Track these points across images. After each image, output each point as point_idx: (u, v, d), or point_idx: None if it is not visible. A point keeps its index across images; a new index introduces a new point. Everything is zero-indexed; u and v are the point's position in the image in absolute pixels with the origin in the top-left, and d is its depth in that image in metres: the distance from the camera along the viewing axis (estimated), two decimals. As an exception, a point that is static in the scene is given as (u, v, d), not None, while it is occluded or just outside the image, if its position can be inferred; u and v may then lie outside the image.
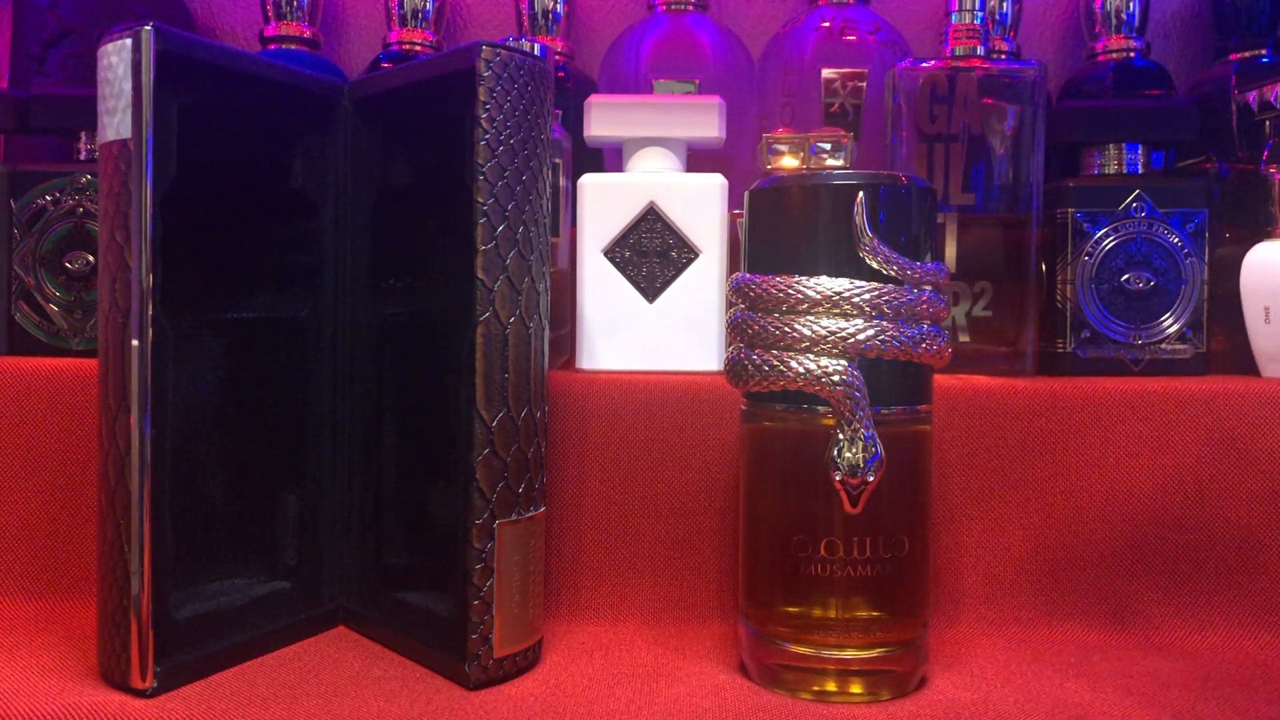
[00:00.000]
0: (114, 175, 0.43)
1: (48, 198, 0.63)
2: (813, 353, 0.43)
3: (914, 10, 0.86)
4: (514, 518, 0.46)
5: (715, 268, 0.59)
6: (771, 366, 0.43)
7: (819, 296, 0.43)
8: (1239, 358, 0.63)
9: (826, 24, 0.74)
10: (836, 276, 0.43)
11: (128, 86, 0.43)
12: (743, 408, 0.47)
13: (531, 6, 0.80)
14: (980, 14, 0.63)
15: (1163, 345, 0.62)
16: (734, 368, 0.46)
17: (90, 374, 0.55)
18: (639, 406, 0.55)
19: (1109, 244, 0.62)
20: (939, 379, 0.54)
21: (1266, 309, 0.60)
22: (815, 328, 0.43)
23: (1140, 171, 0.65)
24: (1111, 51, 0.75)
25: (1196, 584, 0.54)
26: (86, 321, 0.63)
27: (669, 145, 0.61)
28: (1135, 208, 0.62)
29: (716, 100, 0.61)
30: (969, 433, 0.55)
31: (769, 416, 0.45)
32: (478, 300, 0.44)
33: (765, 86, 0.76)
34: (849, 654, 0.44)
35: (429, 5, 0.79)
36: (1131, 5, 0.75)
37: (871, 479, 0.42)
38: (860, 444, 0.42)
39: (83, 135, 0.66)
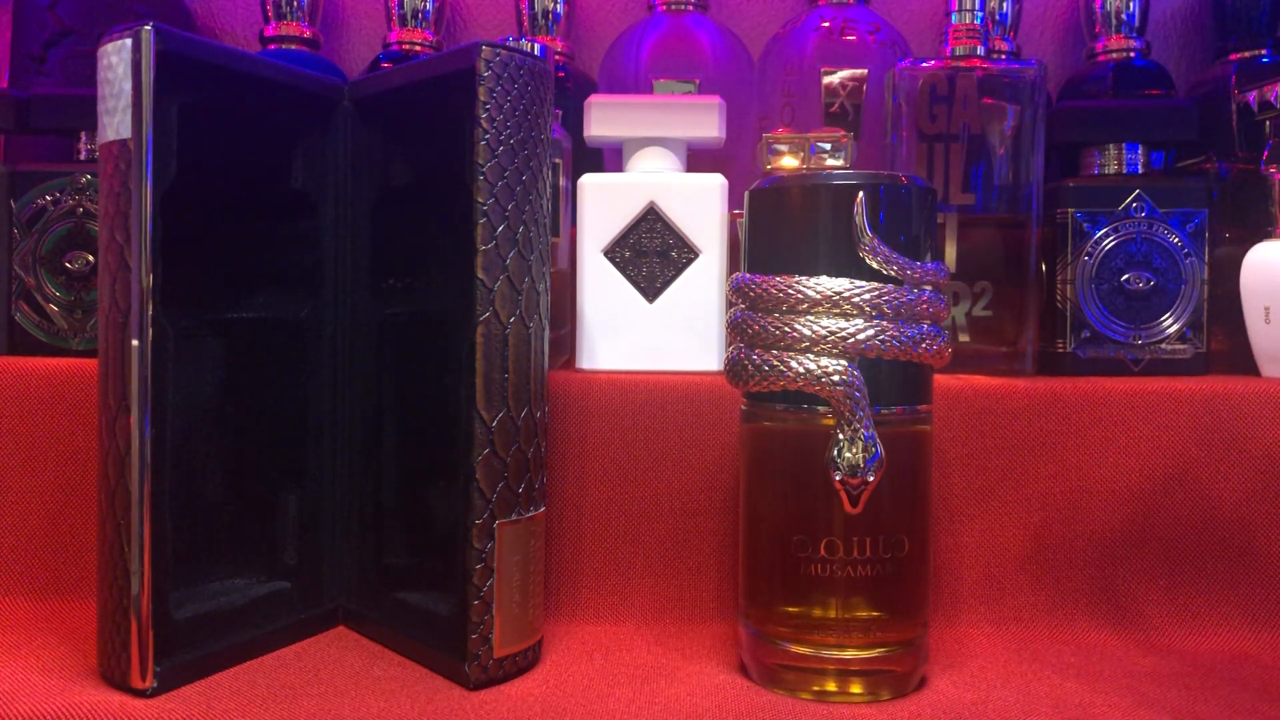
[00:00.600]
0: (114, 175, 0.43)
1: (48, 198, 0.63)
2: (813, 353, 0.43)
3: (914, 10, 0.86)
4: (514, 518, 0.46)
5: (715, 268, 0.59)
6: (771, 366, 0.43)
7: (819, 296, 0.43)
8: (1239, 358, 0.63)
9: (826, 24, 0.74)
10: (836, 276, 0.43)
11: (128, 86, 0.43)
12: (743, 408, 0.47)
13: (531, 6, 0.80)
14: (980, 14, 0.63)
15: (1163, 345, 0.62)
16: (734, 368, 0.46)
17: (90, 374, 0.55)
18: (639, 406, 0.55)
19: (1109, 244, 0.62)
20: (939, 379, 0.54)
21: (1266, 309, 0.60)
22: (815, 328, 0.43)
23: (1140, 171, 0.65)
24: (1111, 51, 0.75)
25: (1196, 584, 0.54)
26: (86, 321, 0.63)
27: (669, 145, 0.61)
28: (1135, 208, 0.62)
29: (716, 100, 0.61)
30: (969, 433, 0.55)
31: (769, 416, 0.45)
32: (478, 300, 0.44)
33: (765, 86, 0.76)
34: (849, 654, 0.44)
35: (429, 5, 0.79)
36: (1131, 5, 0.75)
37: (871, 479, 0.42)
38: (860, 444, 0.42)
39: (83, 135, 0.66)
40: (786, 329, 0.43)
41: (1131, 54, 0.75)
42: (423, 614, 0.49)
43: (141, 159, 0.42)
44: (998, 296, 0.61)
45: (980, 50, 0.63)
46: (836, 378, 0.42)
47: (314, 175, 0.53)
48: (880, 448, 0.42)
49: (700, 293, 0.59)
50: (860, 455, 0.42)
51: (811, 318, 0.43)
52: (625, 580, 0.55)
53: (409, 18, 0.79)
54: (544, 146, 0.47)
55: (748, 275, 0.46)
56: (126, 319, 0.43)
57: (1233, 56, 0.75)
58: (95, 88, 0.44)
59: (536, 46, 0.69)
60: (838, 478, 0.42)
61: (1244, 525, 0.54)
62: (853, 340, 0.42)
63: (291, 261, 0.53)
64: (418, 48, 0.79)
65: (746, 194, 0.47)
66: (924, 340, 0.43)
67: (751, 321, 0.45)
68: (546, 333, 0.48)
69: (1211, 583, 0.54)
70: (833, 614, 0.44)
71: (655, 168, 0.61)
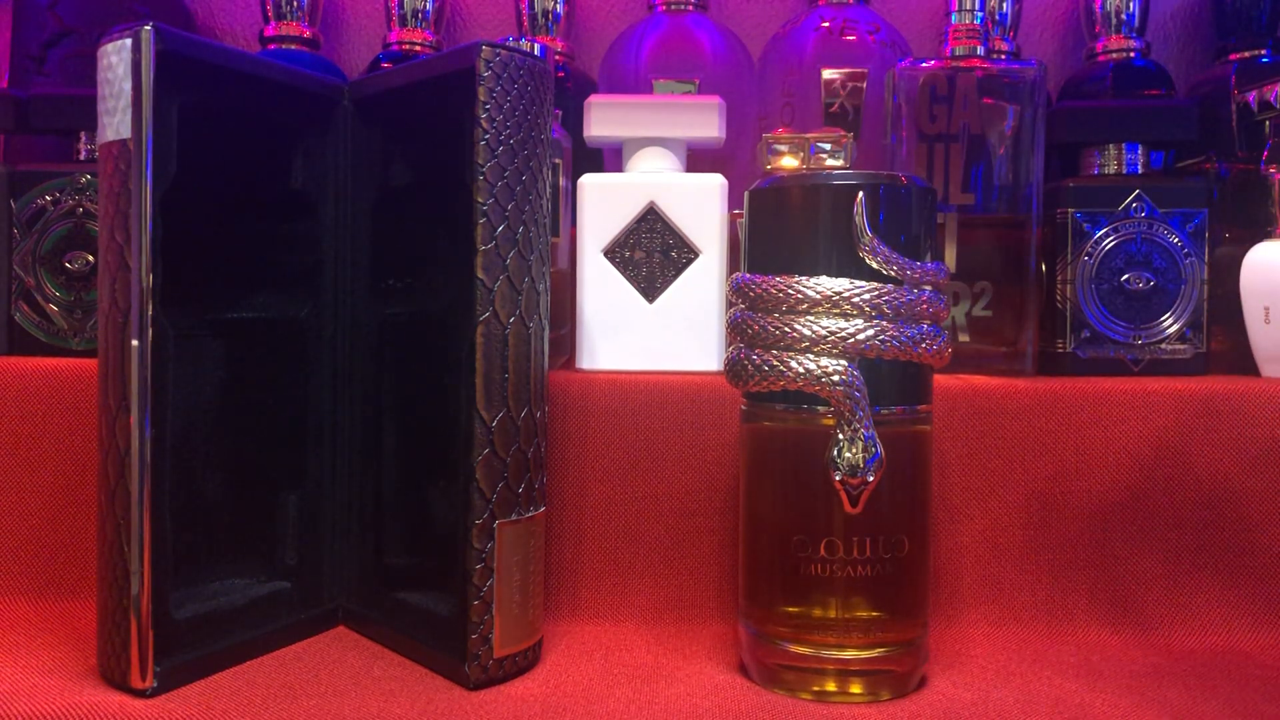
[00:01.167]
0: (114, 175, 0.43)
1: (48, 198, 0.63)
2: (813, 353, 0.43)
3: (914, 10, 0.86)
4: (514, 518, 0.46)
5: (715, 268, 0.59)
6: (771, 366, 0.43)
7: (819, 296, 0.43)
8: (1239, 358, 0.63)
9: (826, 24, 0.74)
10: (836, 276, 0.43)
11: (128, 86, 0.43)
12: (743, 408, 0.47)
13: (531, 6, 0.80)
14: (980, 14, 0.63)
15: (1163, 345, 0.62)
16: (734, 368, 0.46)
17: (90, 374, 0.55)
18: (639, 406, 0.55)
19: (1109, 244, 0.62)
20: (939, 379, 0.54)
21: (1266, 309, 0.60)
22: (815, 328, 0.43)
23: (1140, 171, 0.65)
24: (1111, 51, 0.75)
25: (1196, 584, 0.54)
26: (86, 321, 0.63)
27: (669, 145, 0.61)
28: (1135, 208, 0.62)
29: (716, 100, 0.61)
30: (969, 433, 0.55)
31: (769, 416, 0.45)
32: (478, 300, 0.44)
33: (765, 86, 0.76)
34: (849, 654, 0.44)
35: (429, 5, 0.79)
36: (1131, 5, 0.75)
37: (871, 479, 0.42)
38: (860, 444, 0.42)
39: (83, 135, 0.66)
40: (786, 329, 0.43)
41: (1131, 54, 0.75)
42: (423, 614, 0.49)
43: (141, 159, 0.42)
44: (998, 296, 0.61)
45: (980, 50, 0.63)
46: (836, 378, 0.42)
47: (314, 175, 0.53)
48: (880, 448, 0.42)
49: (700, 293, 0.59)
50: (860, 455, 0.42)
51: (811, 318, 0.43)
52: (625, 580, 0.55)
53: (409, 18, 0.79)
54: (544, 146, 0.47)
55: (748, 275, 0.46)
56: (126, 319, 0.43)
57: (1233, 56, 0.75)
58: (95, 88, 0.44)
59: (536, 46, 0.69)
60: (838, 478, 0.42)
61: (1244, 525, 0.54)
62: (853, 340, 0.42)
63: (291, 261, 0.53)
64: (418, 48, 0.79)
65: (746, 194, 0.47)
66: (924, 340, 0.43)
67: (751, 321, 0.45)
68: (546, 333, 0.48)
69: (1211, 582, 0.54)
70: (833, 614, 0.44)
71: (655, 168, 0.61)
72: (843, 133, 0.60)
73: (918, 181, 0.45)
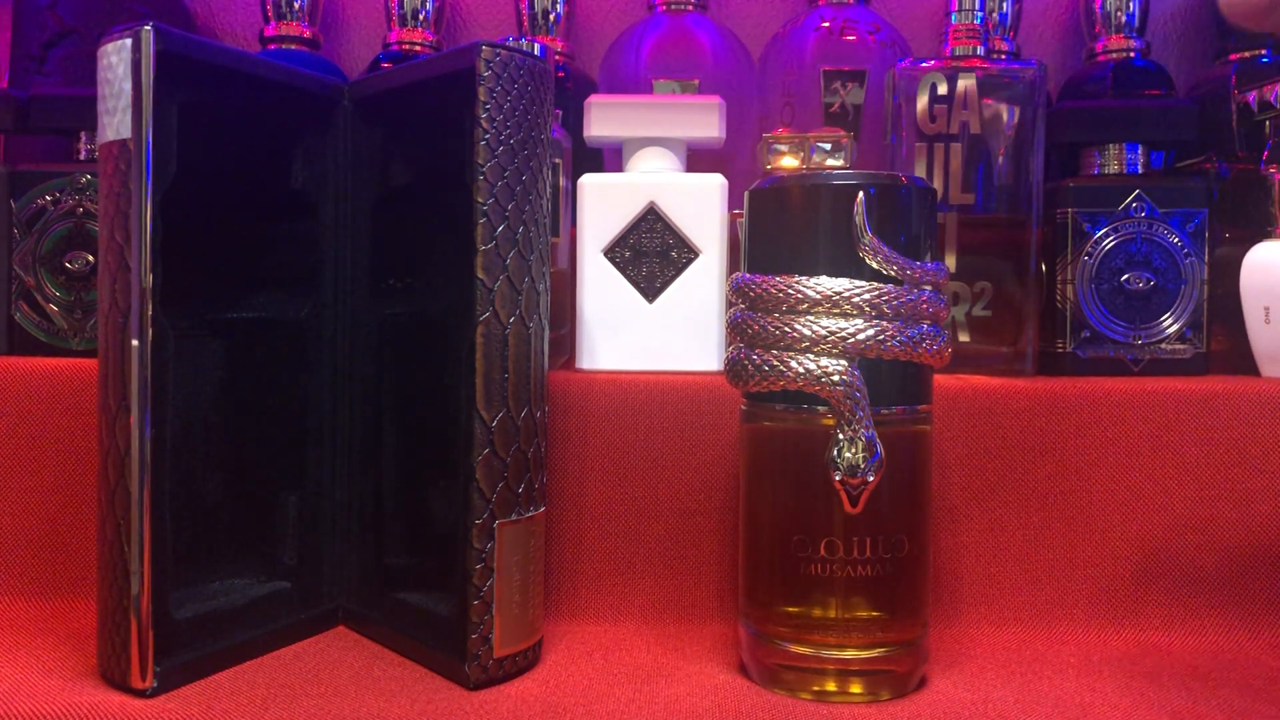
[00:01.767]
0: (114, 175, 0.43)
1: (48, 198, 0.63)
2: (813, 353, 0.43)
3: (914, 10, 0.86)
4: (514, 518, 0.46)
5: (715, 268, 0.59)
6: (771, 366, 0.43)
7: (819, 296, 0.43)
8: (1239, 358, 0.63)
9: (826, 24, 0.74)
10: (836, 276, 0.43)
11: (128, 86, 0.43)
12: (743, 408, 0.47)
13: (531, 6, 0.80)
14: (980, 14, 0.63)
15: (1163, 345, 0.62)
16: (734, 368, 0.46)
17: (90, 374, 0.55)
18: (639, 406, 0.55)
19: (1109, 244, 0.62)
20: (939, 379, 0.54)
21: (1266, 309, 0.60)
22: (815, 328, 0.43)
23: (1140, 171, 0.65)
24: (1111, 51, 0.75)
25: (1196, 584, 0.54)
26: (86, 321, 0.63)
27: (669, 145, 0.61)
28: (1135, 208, 0.62)
29: (716, 100, 0.61)
30: (969, 433, 0.55)
31: (769, 416, 0.45)
32: (478, 300, 0.44)
33: (765, 86, 0.76)
34: (849, 654, 0.44)
35: (429, 5, 0.79)
36: (1131, 5, 0.75)
37: (871, 479, 0.42)
38: (860, 444, 0.42)
39: (83, 135, 0.66)
40: (786, 329, 0.43)
41: (1131, 54, 0.75)
42: (423, 614, 0.49)
43: (141, 159, 0.42)
44: (998, 296, 0.61)
45: (980, 50, 0.63)
46: (836, 378, 0.42)
47: (314, 175, 0.53)
48: (880, 448, 0.42)
49: (700, 293, 0.59)
50: (860, 455, 0.42)
51: (811, 318, 0.43)
52: (625, 580, 0.55)
53: (409, 18, 0.79)
54: (544, 146, 0.47)
55: (748, 275, 0.46)
56: (126, 319, 0.43)
57: (1233, 56, 0.75)
58: (95, 88, 0.44)
59: (536, 46, 0.69)
60: (838, 478, 0.42)
61: (1244, 525, 0.54)
62: (853, 340, 0.42)
63: (291, 261, 0.53)
64: (418, 48, 0.79)
65: (746, 194, 0.47)
66: (924, 340, 0.43)
67: (751, 321, 0.45)
68: (546, 333, 0.48)
69: (1212, 583, 0.54)
70: (833, 614, 0.44)
71: (655, 168, 0.61)
72: (843, 133, 0.60)
73: (918, 181, 0.45)
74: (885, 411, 0.43)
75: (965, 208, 0.61)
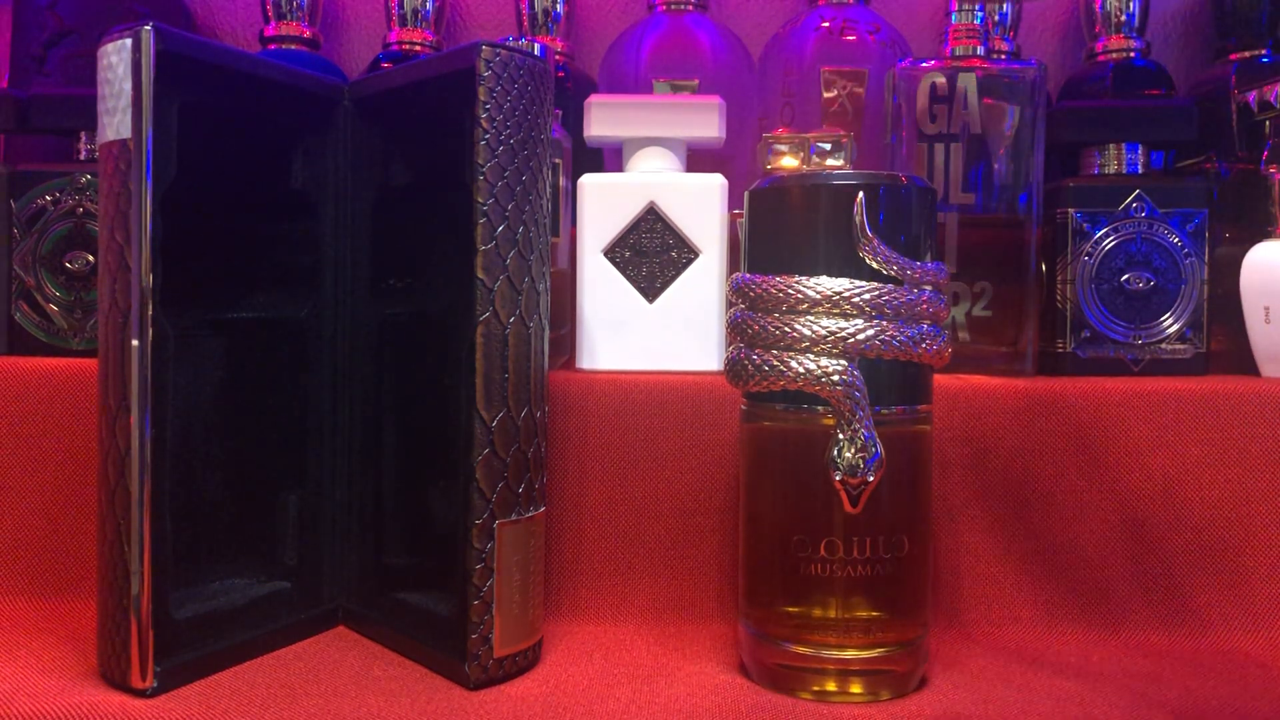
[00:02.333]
0: (114, 175, 0.43)
1: (48, 198, 0.63)
2: (813, 353, 0.43)
3: (914, 10, 0.86)
4: (514, 518, 0.46)
5: (715, 268, 0.59)
6: (771, 366, 0.43)
7: (819, 296, 0.43)
8: (1239, 358, 0.63)
9: (826, 24, 0.74)
10: (836, 276, 0.43)
11: (128, 86, 0.43)
12: (743, 408, 0.47)
13: (531, 6, 0.80)
14: (980, 14, 0.63)
15: (1163, 345, 0.62)
16: (734, 368, 0.46)
17: (90, 374, 0.55)
18: (639, 406, 0.55)
19: (1109, 244, 0.62)
20: (939, 379, 0.54)
21: (1266, 309, 0.60)
22: (815, 328, 0.43)
23: (1140, 171, 0.65)
24: (1111, 51, 0.75)
25: (1196, 584, 0.54)
26: (86, 321, 0.63)
27: (669, 145, 0.61)
28: (1135, 208, 0.62)
29: (716, 100, 0.61)
30: (969, 433, 0.55)
31: (769, 416, 0.45)
32: (478, 300, 0.44)
33: (765, 86, 0.76)
34: (849, 654, 0.44)
35: (429, 5, 0.79)
36: (1131, 5, 0.75)
37: (871, 479, 0.42)
38: (860, 444, 0.42)
39: (83, 135, 0.66)
40: (786, 329, 0.43)
41: (1131, 54, 0.75)
42: (423, 614, 0.49)
43: (141, 159, 0.42)
44: (998, 296, 0.61)
45: (980, 50, 0.63)
46: (836, 378, 0.42)
47: (314, 175, 0.53)
48: (880, 448, 0.42)
49: (700, 293, 0.59)
50: (860, 455, 0.42)
51: (811, 318, 0.43)
52: (625, 580, 0.55)
53: (409, 18, 0.79)
54: (544, 146, 0.47)
55: (748, 275, 0.46)
56: (126, 319, 0.43)
57: (1233, 56, 0.75)
58: (95, 88, 0.44)
59: (536, 46, 0.69)
60: (838, 478, 0.42)
61: (1244, 525, 0.54)
62: (853, 340, 0.42)
63: (291, 261, 0.53)
64: (418, 48, 0.79)
65: (746, 194, 0.47)
66: (924, 340, 0.43)
67: (751, 321, 0.45)
68: (546, 333, 0.48)
69: (1212, 583, 0.54)
70: (833, 614, 0.44)
71: (655, 168, 0.61)
72: (843, 133, 0.60)
73: (918, 181, 0.45)
74: (885, 411, 0.43)
75: (965, 208, 0.61)
